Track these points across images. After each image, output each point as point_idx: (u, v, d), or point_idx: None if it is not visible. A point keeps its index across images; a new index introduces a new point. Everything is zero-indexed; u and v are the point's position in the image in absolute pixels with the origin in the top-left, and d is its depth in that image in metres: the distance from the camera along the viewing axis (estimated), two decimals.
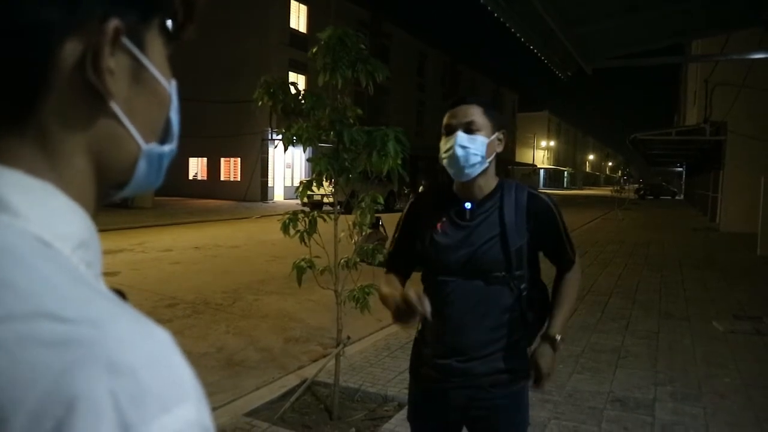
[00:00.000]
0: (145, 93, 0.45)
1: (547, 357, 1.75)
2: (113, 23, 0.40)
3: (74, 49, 0.39)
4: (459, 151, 1.64)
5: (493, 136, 1.69)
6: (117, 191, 0.47)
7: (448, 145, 1.67)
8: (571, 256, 1.83)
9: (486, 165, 1.68)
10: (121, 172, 0.45)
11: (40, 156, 0.40)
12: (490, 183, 1.73)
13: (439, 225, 1.73)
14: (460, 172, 1.67)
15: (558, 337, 1.75)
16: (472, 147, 1.64)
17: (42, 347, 0.32)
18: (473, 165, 1.65)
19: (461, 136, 1.65)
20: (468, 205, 1.71)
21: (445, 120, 1.72)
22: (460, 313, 1.69)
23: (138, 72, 0.44)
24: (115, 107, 0.42)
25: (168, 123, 0.48)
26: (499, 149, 1.73)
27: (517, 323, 1.74)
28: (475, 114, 1.67)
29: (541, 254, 1.81)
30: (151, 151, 0.46)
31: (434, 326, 1.75)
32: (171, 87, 0.48)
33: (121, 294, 0.43)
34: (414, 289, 1.57)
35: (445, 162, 1.68)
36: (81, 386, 0.31)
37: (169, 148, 0.48)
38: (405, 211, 1.88)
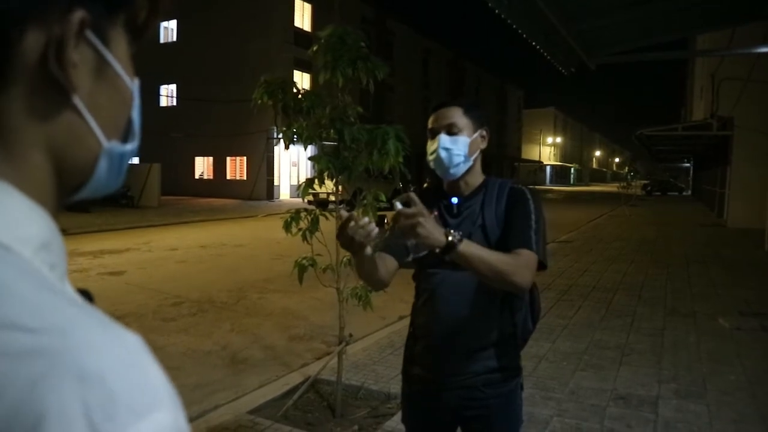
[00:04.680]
0: (108, 89, 0.43)
1: (434, 227, 1.45)
2: (79, 14, 0.38)
3: (37, 40, 0.38)
4: (443, 153, 1.72)
5: (476, 135, 1.75)
6: (77, 191, 0.45)
7: (433, 148, 1.74)
8: (531, 242, 1.61)
9: (470, 163, 1.75)
10: (82, 170, 0.44)
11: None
12: (477, 179, 1.80)
13: None
14: (446, 172, 1.74)
15: (459, 239, 1.46)
16: (455, 148, 1.71)
17: (7, 359, 0.31)
18: (457, 165, 1.72)
19: (444, 139, 1.72)
20: (455, 200, 1.77)
21: (429, 124, 1.79)
22: (449, 304, 1.72)
23: (101, 67, 0.42)
24: (78, 101, 0.40)
25: (129, 122, 0.47)
26: (483, 146, 1.79)
27: (507, 319, 1.76)
28: (456, 116, 1.74)
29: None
30: (112, 150, 0.44)
31: (425, 319, 1.79)
32: (134, 85, 0.46)
33: (87, 295, 0.42)
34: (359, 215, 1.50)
35: (431, 164, 1.77)
36: (50, 398, 0.30)
37: (130, 147, 0.47)
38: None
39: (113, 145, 0.44)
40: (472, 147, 1.73)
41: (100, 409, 0.31)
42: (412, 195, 1.46)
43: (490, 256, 1.52)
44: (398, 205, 1.44)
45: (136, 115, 0.47)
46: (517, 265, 1.54)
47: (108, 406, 0.31)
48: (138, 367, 0.34)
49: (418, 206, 1.43)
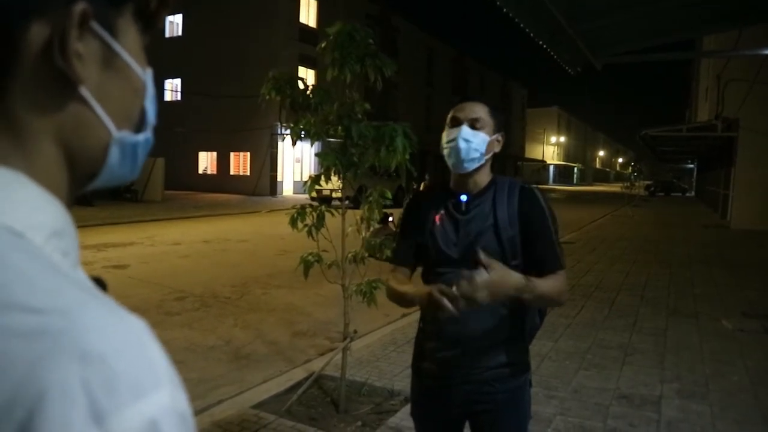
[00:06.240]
0: (118, 79, 0.44)
1: (504, 276, 1.50)
2: (80, 6, 0.39)
3: (41, 33, 0.38)
4: (461, 144, 1.71)
5: (494, 136, 1.76)
6: (90, 181, 0.46)
7: (452, 136, 1.73)
8: (560, 261, 1.72)
9: (483, 162, 1.75)
10: (93, 160, 0.44)
11: (10, 143, 0.40)
12: (485, 179, 1.79)
13: (437, 218, 1.79)
14: (459, 164, 1.73)
15: (529, 284, 1.55)
16: (474, 142, 1.71)
17: (13, 338, 0.32)
18: (472, 159, 1.72)
19: (466, 130, 1.72)
20: (464, 197, 1.76)
21: (451, 113, 1.79)
22: None
23: (109, 58, 0.43)
24: (85, 92, 0.41)
25: (143, 112, 0.47)
26: (497, 149, 1.79)
27: (516, 316, 1.77)
28: (481, 111, 1.74)
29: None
30: (123, 139, 0.45)
31: (435, 318, 1.79)
32: (146, 75, 0.47)
33: (100, 282, 0.43)
34: (439, 286, 1.51)
35: (445, 152, 1.75)
36: (52, 376, 0.31)
37: (143, 137, 0.47)
38: (405, 207, 1.95)
39: (124, 135, 0.45)
40: (489, 147, 1.74)
41: (101, 387, 0.32)
42: (482, 259, 1.48)
43: (548, 289, 1.65)
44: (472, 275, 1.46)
45: (149, 104, 0.48)
46: (561, 290, 1.71)
47: (108, 384, 0.32)
48: (140, 348, 0.35)
49: (489, 270, 1.47)
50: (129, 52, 0.44)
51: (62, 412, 0.30)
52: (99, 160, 0.44)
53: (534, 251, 1.73)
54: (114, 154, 0.45)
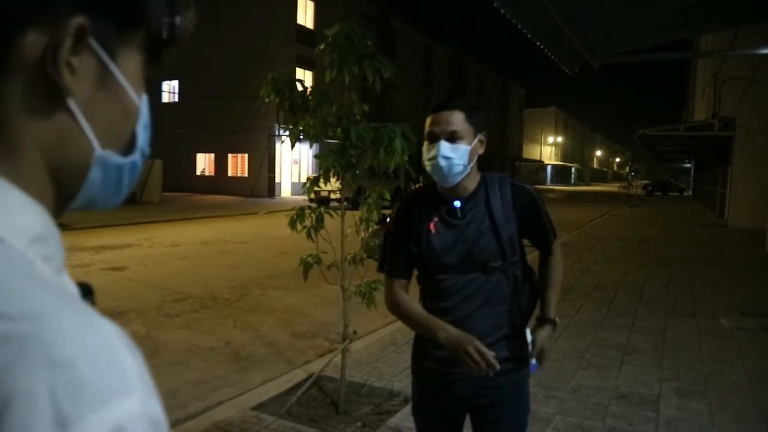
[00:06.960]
0: (110, 99, 0.44)
1: (546, 336, 1.86)
2: (78, 20, 0.40)
3: (37, 40, 0.39)
4: (442, 162, 1.66)
5: (475, 141, 1.70)
6: (71, 200, 0.46)
7: (432, 154, 1.68)
8: (551, 236, 1.91)
9: (468, 171, 1.70)
10: (74, 174, 0.44)
11: None
12: (474, 181, 1.76)
13: (431, 226, 1.76)
14: (444, 180, 1.70)
15: (557, 319, 1.90)
16: (455, 157, 1.66)
17: None
18: (456, 173, 1.68)
19: (444, 147, 1.66)
20: (457, 203, 1.74)
21: (427, 126, 1.72)
22: (461, 305, 1.73)
23: (105, 77, 0.43)
24: (72, 104, 0.42)
25: (133, 136, 0.48)
26: (481, 151, 1.74)
27: (515, 310, 1.79)
28: (458, 122, 1.67)
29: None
30: (106, 158, 0.45)
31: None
32: (141, 101, 0.47)
33: (87, 288, 0.43)
34: (477, 344, 1.62)
35: (428, 169, 1.71)
36: (17, 382, 0.31)
37: (129, 160, 0.47)
38: (395, 215, 1.88)
39: (108, 155, 0.45)
40: (471, 154, 1.69)
41: (66, 393, 0.32)
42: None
43: (557, 291, 1.94)
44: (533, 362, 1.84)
45: (141, 130, 0.48)
46: (559, 266, 1.95)
47: (74, 390, 0.32)
48: (110, 354, 0.35)
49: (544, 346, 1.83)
50: (127, 75, 0.45)
51: (25, 417, 0.30)
52: (80, 175, 0.44)
53: (535, 237, 1.88)
54: (95, 172, 0.45)
